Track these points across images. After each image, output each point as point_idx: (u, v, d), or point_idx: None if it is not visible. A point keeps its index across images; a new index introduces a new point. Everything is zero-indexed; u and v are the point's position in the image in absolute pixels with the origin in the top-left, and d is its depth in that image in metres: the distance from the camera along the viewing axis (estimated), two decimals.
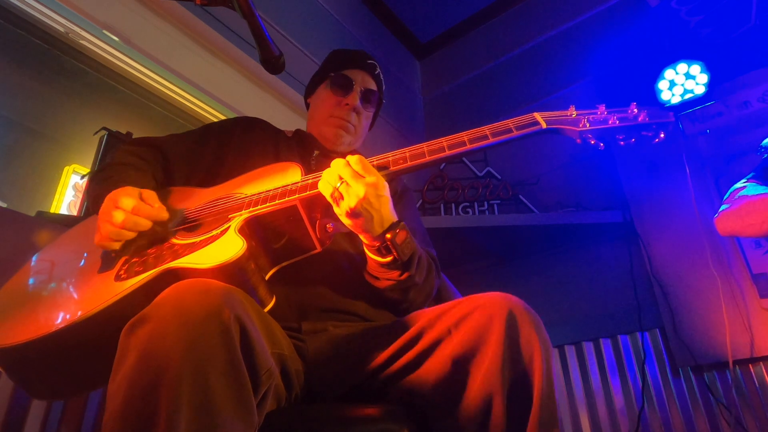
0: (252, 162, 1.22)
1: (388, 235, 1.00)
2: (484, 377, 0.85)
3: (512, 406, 0.83)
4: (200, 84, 2.57)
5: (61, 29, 2.40)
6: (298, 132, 1.47)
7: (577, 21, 3.32)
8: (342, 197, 0.96)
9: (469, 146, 1.00)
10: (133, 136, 1.93)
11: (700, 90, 2.61)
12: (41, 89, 2.46)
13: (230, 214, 1.02)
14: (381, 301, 1.21)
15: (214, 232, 0.98)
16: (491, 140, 1.01)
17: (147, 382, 0.65)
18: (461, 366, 0.88)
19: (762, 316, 2.24)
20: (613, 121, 1.03)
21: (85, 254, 1.08)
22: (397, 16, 3.80)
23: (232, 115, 2.66)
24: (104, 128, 1.91)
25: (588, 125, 1.03)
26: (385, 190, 0.98)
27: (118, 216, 0.98)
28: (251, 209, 1.00)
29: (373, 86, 1.46)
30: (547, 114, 1.06)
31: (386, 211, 0.99)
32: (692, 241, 2.49)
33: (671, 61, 2.63)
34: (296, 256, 1.05)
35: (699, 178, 2.56)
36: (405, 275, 1.08)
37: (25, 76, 2.40)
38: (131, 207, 0.99)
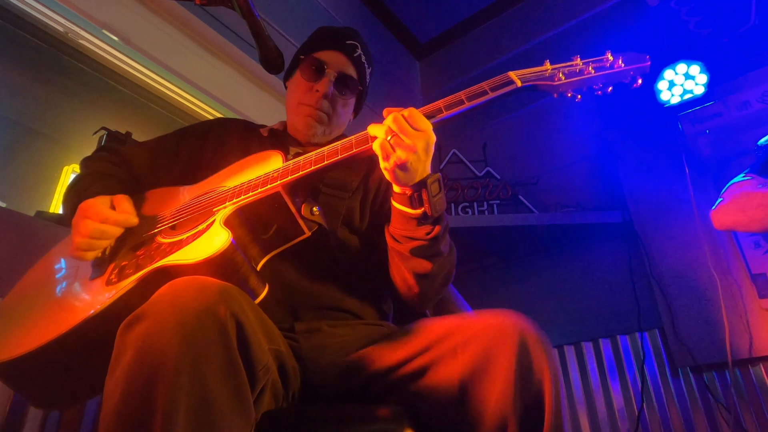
0: (227, 165, 1.19)
1: (430, 180, 0.97)
2: (497, 402, 0.83)
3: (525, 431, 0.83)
4: (200, 84, 2.57)
5: (61, 29, 2.40)
6: (273, 131, 1.40)
7: (576, 21, 3.32)
8: (392, 150, 0.94)
9: (445, 113, 1.00)
10: (133, 136, 1.93)
11: (699, 90, 2.61)
12: (41, 89, 2.46)
13: (215, 208, 1.01)
14: (368, 283, 1.19)
15: (200, 227, 0.98)
16: (467, 104, 1.00)
17: (144, 379, 0.65)
18: (469, 388, 0.86)
19: (761, 316, 2.24)
20: (589, 71, 1.04)
21: (76, 264, 1.08)
22: (397, 16, 3.80)
23: (231, 115, 2.66)
24: (103, 128, 1.91)
25: (564, 78, 1.04)
26: (434, 142, 0.98)
27: (86, 225, 0.99)
28: (235, 200, 1.00)
29: (351, 71, 1.32)
30: (522, 72, 1.05)
31: (429, 164, 0.99)
32: (692, 241, 2.49)
33: (671, 61, 2.63)
34: (286, 242, 1.03)
35: (698, 178, 2.56)
36: (434, 232, 1.02)
37: (25, 76, 2.40)
38: (99, 216, 1.00)
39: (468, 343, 0.89)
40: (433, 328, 0.97)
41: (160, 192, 1.22)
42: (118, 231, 1.02)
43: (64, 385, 0.96)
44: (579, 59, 1.06)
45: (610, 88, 1.05)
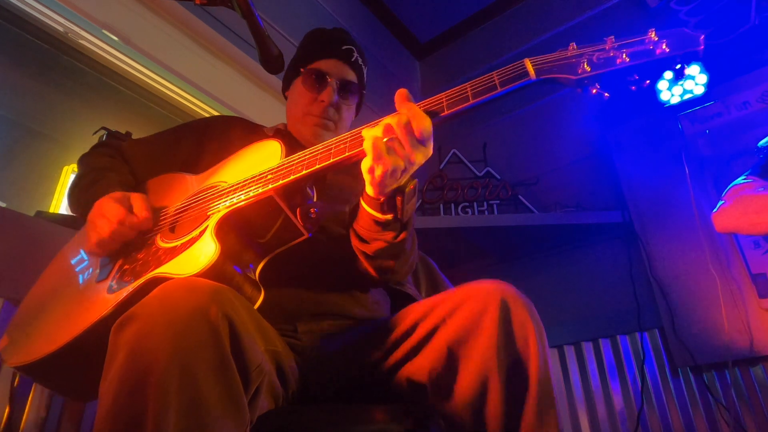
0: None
1: (408, 188, 0.95)
2: (479, 359, 0.85)
3: (509, 387, 0.84)
4: (200, 84, 2.57)
5: (61, 29, 2.40)
6: (278, 131, 1.40)
7: (576, 21, 3.32)
8: (386, 154, 0.87)
9: (447, 111, 0.91)
10: (133, 136, 1.93)
11: (699, 90, 2.61)
12: (41, 89, 2.46)
13: (209, 211, 1.00)
14: (367, 284, 1.20)
15: (194, 233, 0.97)
16: (472, 101, 0.90)
17: (135, 380, 0.65)
18: (456, 351, 0.89)
19: (761, 316, 2.24)
20: (623, 59, 0.83)
21: (86, 263, 1.10)
22: (397, 16, 3.80)
23: (231, 115, 2.66)
24: (103, 128, 1.91)
25: (589, 69, 0.85)
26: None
27: (105, 227, 1.00)
28: (228, 205, 0.98)
29: (351, 76, 1.34)
30: (539, 59, 0.90)
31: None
32: (691, 241, 2.49)
33: None
34: (284, 244, 1.02)
35: (698, 178, 2.56)
36: (401, 237, 1.03)
37: (25, 76, 2.40)
38: (117, 217, 1.01)
39: (455, 311, 0.91)
40: (421, 305, 0.99)
41: (164, 180, 1.22)
42: (133, 234, 1.03)
43: (83, 382, 1.00)
44: (613, 40, 0.86)
45: (648, 82, 0.84)
